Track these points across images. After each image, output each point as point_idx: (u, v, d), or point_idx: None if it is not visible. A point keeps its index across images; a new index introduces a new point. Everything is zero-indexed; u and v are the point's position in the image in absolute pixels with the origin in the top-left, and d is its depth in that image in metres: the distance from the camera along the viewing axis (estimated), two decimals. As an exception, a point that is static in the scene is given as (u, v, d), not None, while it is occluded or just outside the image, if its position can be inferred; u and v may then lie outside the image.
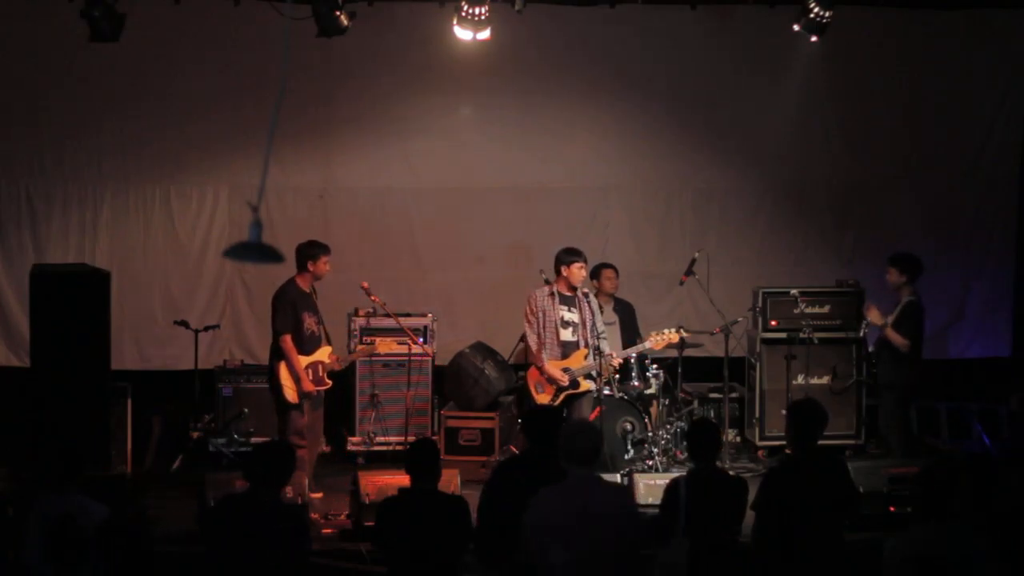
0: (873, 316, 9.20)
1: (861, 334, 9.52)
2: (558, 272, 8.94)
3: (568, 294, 8.94)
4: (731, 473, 7.19)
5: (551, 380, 8.83)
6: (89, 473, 6.68)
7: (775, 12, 10.35)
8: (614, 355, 9.11)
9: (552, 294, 8.90)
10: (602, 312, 9.74)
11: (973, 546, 5.13)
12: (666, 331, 9.26)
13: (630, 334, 9.92)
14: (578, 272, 8.90)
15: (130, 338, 10.42)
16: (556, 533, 5.33)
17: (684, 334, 9.61)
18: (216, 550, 5.56)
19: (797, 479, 6.02)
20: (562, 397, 8.87)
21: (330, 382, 8.81)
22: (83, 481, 5.94)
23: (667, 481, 6.39)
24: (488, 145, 10.84)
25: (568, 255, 8.94)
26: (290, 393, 8.54)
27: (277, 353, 8.58)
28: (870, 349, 9.34)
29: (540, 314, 8.87)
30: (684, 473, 6.37)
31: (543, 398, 8.82)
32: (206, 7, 10.22)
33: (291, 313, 8.57)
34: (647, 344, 9.27)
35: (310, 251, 8.70)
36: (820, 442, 6.19)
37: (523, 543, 5.41)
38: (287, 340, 8.54)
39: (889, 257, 9.30)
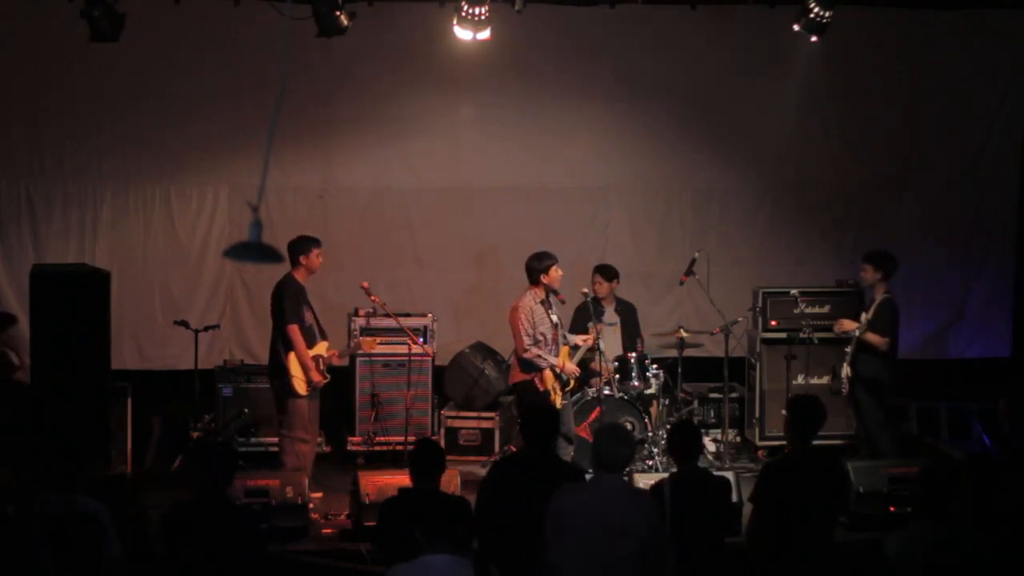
0: (846, 326, 9.20)
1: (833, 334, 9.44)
2: (536, 280, 8.80)
3: (544, 297, 8.90)
4: (715, 473, 7.19)
5: (563, 377, 8.80)
6: (89, 473, 6.68)
7: (775, 12, 10.35)
8: (579, 340, 9.15)
9: (542, 302, 8.84)
10: (604, 313, 9.76)
11: (973, 545, 5.13)
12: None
13: (632, 335, 9.92)
14: (555, 274, 8.80)
15: (130, 338, 10.43)
16: (576, 533, 5.31)
17: (684, 334, 9.65)
18: (174, 559, 5.54)
19: (796, 475, 6.02)
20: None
21: (328, 376, 8.82)
22: (83, 481, 5.94)
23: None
24: (488, 145, 10.84)
25: (543, 261, 8.76)
26: (299, 384, 8.54)
27: (286, 344, 8.57)
28: (847, 349, 9.34)
29: (533, 322, 8.78)
30: (666, 475, 6.36)
31: (558, 399, 8.79)
32: (206, 7, 10.22)
33: (297, 304, 8.58)
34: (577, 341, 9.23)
35: (301, 246, 8.72)
36: (820, 441, 6.19)
37: (541, 541, 5.39)
38: (296, 330, 8.54)
39: (864, 255, 9.32)
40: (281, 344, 8.60)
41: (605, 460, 5.49)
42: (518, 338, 8.76)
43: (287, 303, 8.57)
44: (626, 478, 8.30)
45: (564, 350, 8.94)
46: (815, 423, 6.10)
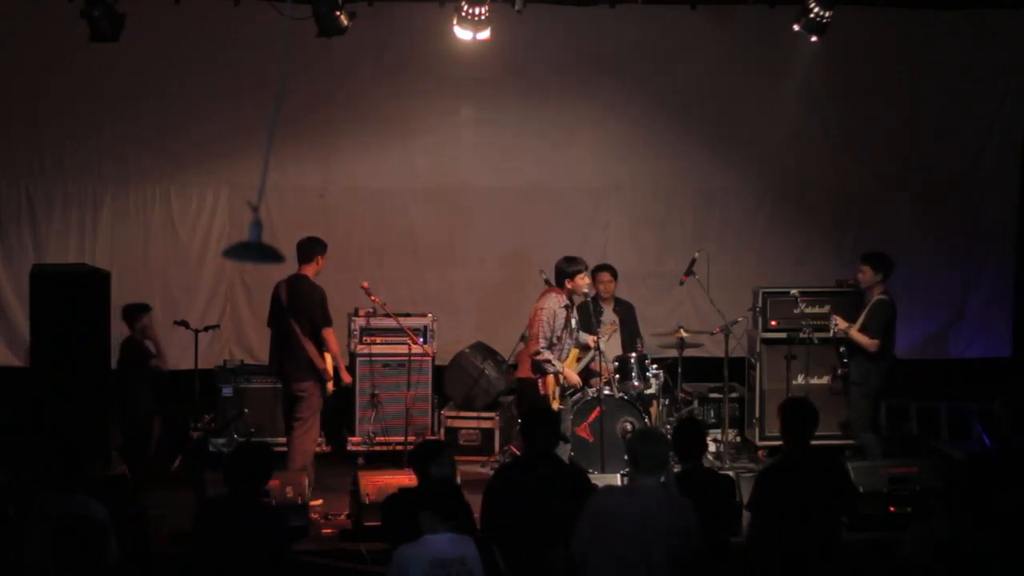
0: (840, 323, 9.23)
1: (831, 333, 9.44)
2: (561, 283, 8.82)
3: (568, 302, 8.91)
4: (719, 471, 7.20)
5: (567, 385, 8.81)
6: (89, 473, 6.68)
7: (775, 12, 10.35)
8: (591, 339, 9.16)
9: (565, 307, 8.83)
10: (602, 313, 9.76)
11: (981, 544, 5.12)
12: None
13: (631, 334, 9.92)
14: (581, 281, 8.83)
15: (130, 338, 10.42)
16: (610, 534, 5.31)
17: (684, 334, 9.65)
18: (204, 554, 5.57)
19: (794, 477, 6.01)
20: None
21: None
22: (83, 481, 5.94)
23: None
24: (488, 145, 10.84)
25: (571, 265, 8.79)
26: (330, 386, 8.73)
27: (320, 346, 8.67)
28: (841, 348, 9.34)
29: (554, 326, 8.77)
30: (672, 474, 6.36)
31: (556, 404, 8.79)
32: (206, 7, 10.22)
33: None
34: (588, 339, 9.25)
35: (319, 246, 8.81)
36: (822, 442, 6.19)
37: (573, 540, 5.41)
38: (333, 333, 8.71)
39: (862, 256, 9.31)
40: (315, 346, 8.65)
41: (640, 463, 5.50)
42: (534, 339, 8.78)
43: (326, 306, 8.70)
44: (626, 477, 8.36)
45: (573, 354, 8.92)
46: (808, 424, 6.11)
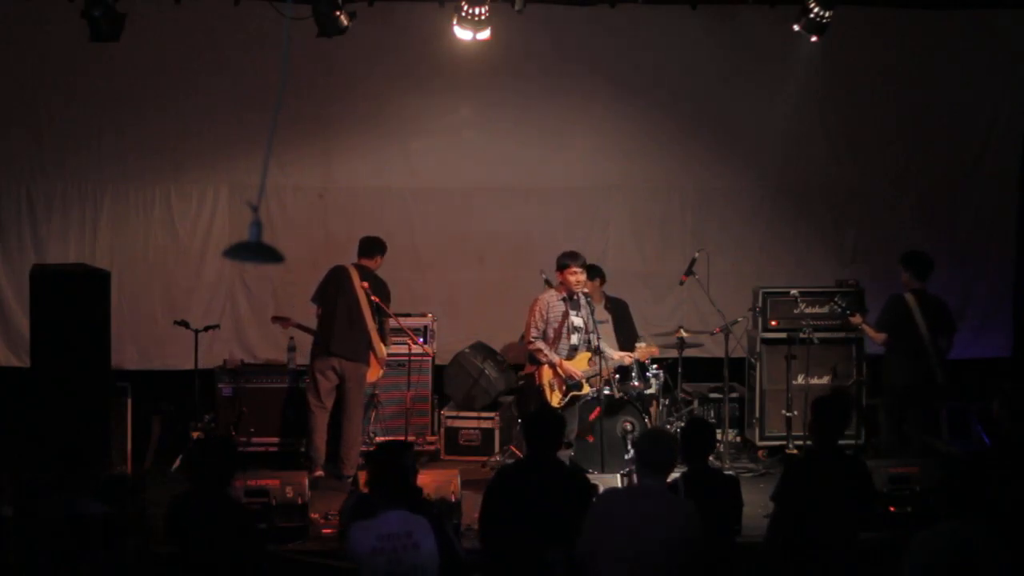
0: (855, 320, 9.35)
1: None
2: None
3: (568, 295, 8.90)
4: (725, 472, 7.19)
5: (567, 377, 8.80)
6: (93, 473, 6.69)
7: (775, 12, 10.34)
8: (626, 356, 9.13)
9: (564, 300, 8.83)
10: (593, 312, 9.74)
11: (988, 541, 5.12)
12: (642, 344, 9.35)
13: (624, 331, 9.91)
14: (570, 277, 8.79)
15: (130, 338, 10.41)
16: (615, 535, 5.32)
17: (684, 334, 9.65)
18: (176, 551, 5.60)
19: (818, 473, 6.04)
20: (568, 397, 8.85)
21: None
22: (83, 481, 5.94)
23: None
24: (488, 145, 10.83)
25: (562, 259, 8.84)
26: (382, 372, 9.42)
27: (384, 334, 9.32)
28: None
29: (547, 318, 8.78)
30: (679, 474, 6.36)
31: (556, 397, 8.79)
32: (206, 7, 10.22)
33: None
34: (634, 355, 9.23)
35: (382, 247, 9.48)
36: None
37: (579, 540, 5.42)
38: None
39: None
40: (379, 334, 9.25)
41: (647, 463, 5.50)
42: (526, 329, 8.86)
43: None
44: (626, 478, 8.36)
45: (583, 356, 8.89)
46: (839, 422, 6.14)
